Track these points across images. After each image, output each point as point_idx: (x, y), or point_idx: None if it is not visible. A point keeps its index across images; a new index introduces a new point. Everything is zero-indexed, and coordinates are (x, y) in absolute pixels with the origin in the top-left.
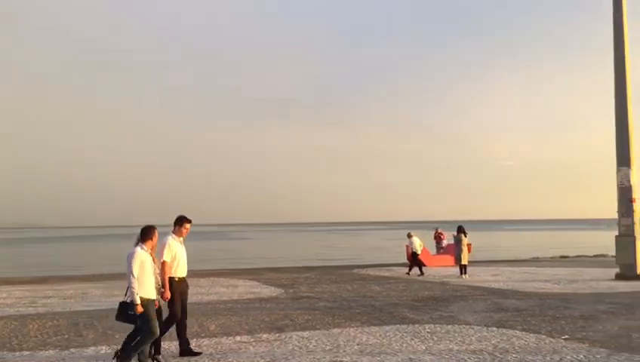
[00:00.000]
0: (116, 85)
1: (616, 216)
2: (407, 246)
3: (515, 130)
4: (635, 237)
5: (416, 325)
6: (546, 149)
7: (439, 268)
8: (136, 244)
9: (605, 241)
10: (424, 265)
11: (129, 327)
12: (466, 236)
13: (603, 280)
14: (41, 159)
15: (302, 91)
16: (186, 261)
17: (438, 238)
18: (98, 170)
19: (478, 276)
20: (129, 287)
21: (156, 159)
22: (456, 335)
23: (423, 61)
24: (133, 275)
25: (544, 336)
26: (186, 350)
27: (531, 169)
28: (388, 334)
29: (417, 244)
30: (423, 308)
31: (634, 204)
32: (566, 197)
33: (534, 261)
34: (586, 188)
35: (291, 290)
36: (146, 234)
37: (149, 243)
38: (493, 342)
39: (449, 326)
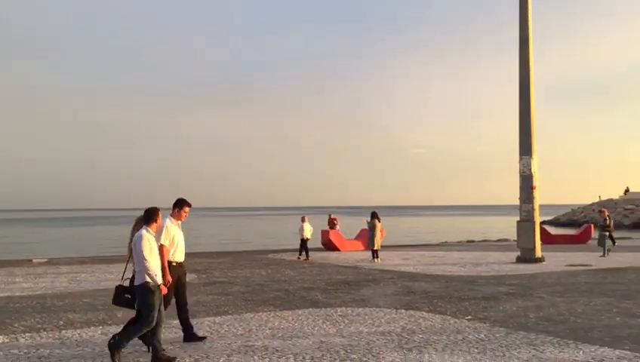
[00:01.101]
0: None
1: (517, 202)
2: (322, 231)
3: (424, 119)
4: (534, 223)
5: (329, 308)
6: (453, 138)
7: (352, 253)
8: (136, 227)
9: (509, 226)
10: (308, 252)
11: (29, 315)
12: (379, 222)
13: (505, 263)
14: None
15: (210, 77)
16: (184, 245)
17: (331, 224)
18: None
19: (389, 260)
20: (139, 271)
21: (50, 140)
22: (366, 317)
23: (337, 51)
24: (145, 259)
25: (449, 317)
26: (190, 335)
27: (441, 157)
28: (300, 318)
29: (307, 230)
30: (335, 292)
31: (534, 191)
32: (473, 184)
33: (443, 245)
34: (492, 176)
35: (204, 276)
36: (150, 216)
37: (154, 226)
38: (401, 323)
39: (360, 309)
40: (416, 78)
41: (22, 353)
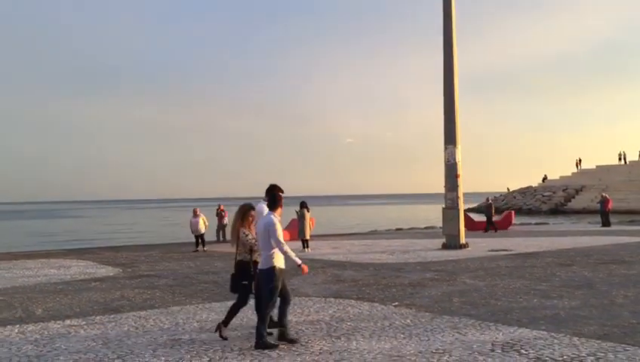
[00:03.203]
0: None
1: (443, 190)
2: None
3: (354, 109)
4: (459, 210)
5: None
6: (382, 128)
7: None
8: (239, 214)
9: (435, 214)
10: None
11: None
12: (308, 211)
13: (431, 250)
14: None
15: (124, 64)
16: None
17: (220, 215)
18: None
19: (319, 249)
20: (267, 256)
21: None
22: (295, 307)
23: (260, 38)
24: (282, 242)
25: (377, 304)
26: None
27: (370, 146)
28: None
29: (201, 224)
30: None
31: (458, 180)
32: (401, 173)
33: (372, 234)
34: (419, 165)
35: (130, 269)
36: (276, 202)
37: (279, 211)
38: (330, 311)
39: None
40: (344, 70)
41: None
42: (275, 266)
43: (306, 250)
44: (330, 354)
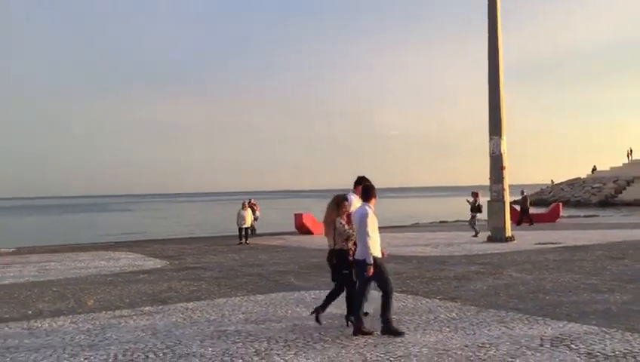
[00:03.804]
0: None
1: (488, 182)
2: (295, 215)
3: (398, 100)
4: (504, 203)
5: (302, 292)
6: (426, 120)
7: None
8: (333, 204)
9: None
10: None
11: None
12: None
13: (476, 243)
14: None
15: (130, 62)
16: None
17: (251, 209)
18: None
19: None
20: (362, 246)
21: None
22: (339, 300)
23: (299, 31)
24: (368, 235)
25: (421, 297)
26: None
27: (414, 138)
28: (273, 301)
29: (248, 217)
30: (308, 276)
31: (504, 172)
32: (445, 164)
33: (415, 226)
34: (464, 157)
35: (177, 262)
36: (370, 192)
37: (373, 201)
38: (373, 305)
39: None
40: (388, 61)
41: None
42: (372, 256)
43: None
44: (375, 346)
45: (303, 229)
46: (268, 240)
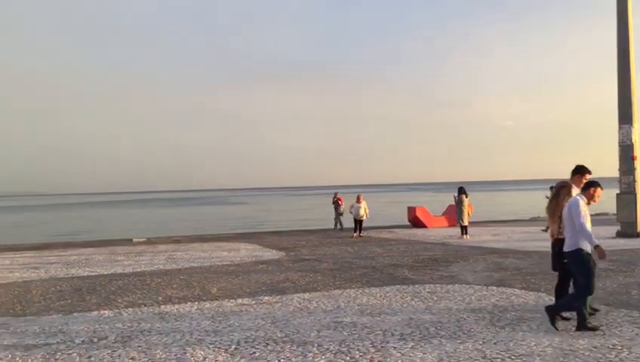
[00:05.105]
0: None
1: (617, 174)
2: (408, 208)
3: (514, 91)
4: (636, 195)
5: (417, 285)
6: (544, 109)
7: (440, 229)
8: (560, 192)
9: (607, 199)
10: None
11: (131, 292)
12: (467, 197)
13: (604, 238)
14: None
15: (290, 55)
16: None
17: (336, 203)
18: (97, 136)
19: (478, 236)
20: (571, 237)
21: (159, 127)
22: (456, 294)
23: (421, 24)
24: (582, 223)
25: (543, 294)
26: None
27: (531, 128)
28: (388, 295)
29: (362, 210)
30: (423, 269)
31: (635, 162)
32: (565, 156)
33: (535, 220)
34: (586, 147)
35: (292, 253)
36: (587, 185)
37: (588, 194)
38: (492, 300)
39: (449, 286)
40: (500, 50)
41: (125, 326)
42: (581, 248)
43: (464, 236)
44: (495, 344)
45: (416, 222)
46: (380, 233)
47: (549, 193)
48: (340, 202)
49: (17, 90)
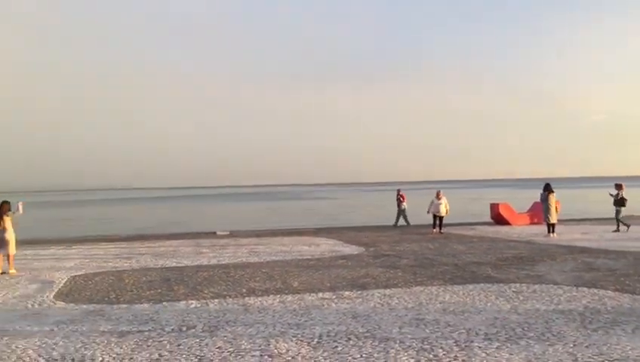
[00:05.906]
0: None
1: None
2: (491, 205)
3: (604, 82)
4: None
5: (501, 284)
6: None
7: (525, 227)
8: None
9: None
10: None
11: (216, 283)
12: (553, 194)
13: None
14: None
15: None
16: None
17: (399, 200)
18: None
19: (566, 235)
20: None
21: (233, 126)
22: (543, 294)
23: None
24: None
25: (639, 297)
26: None
27: (624, 123)
28: (471, 293)
29: (442, 207)
30: (507, 268)
31: None
32: None
33: (628, 219)
34: None
35: (372, 249)
36: None
37: None
38: (583, 302)
39: (536, 286)
40: (588, 40)
41: (212, 317)
42: None
43: (551, 235)
44: (587, 347)
45: (499, 219)
46: (462, 230)
47: (613, 191)
48: (402, 199)
49: (123, 92)
